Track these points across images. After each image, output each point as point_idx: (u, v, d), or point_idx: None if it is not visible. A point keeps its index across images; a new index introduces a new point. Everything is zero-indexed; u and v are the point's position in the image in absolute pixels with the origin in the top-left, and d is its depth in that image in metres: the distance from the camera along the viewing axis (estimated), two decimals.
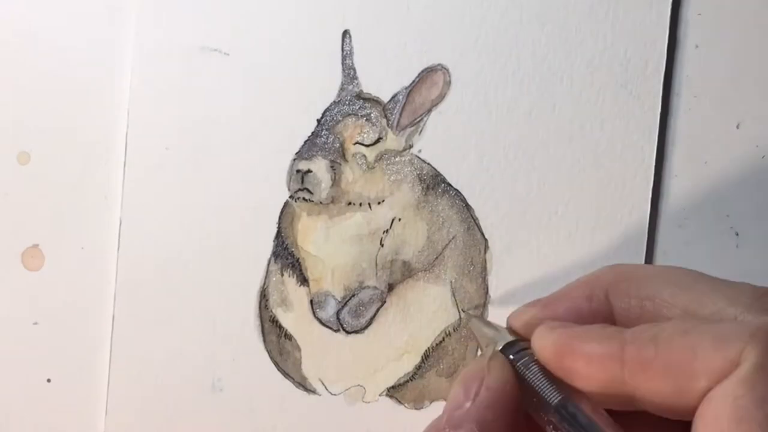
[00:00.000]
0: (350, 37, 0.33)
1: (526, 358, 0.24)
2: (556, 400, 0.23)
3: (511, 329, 0.26)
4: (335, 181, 0.33)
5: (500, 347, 0.25)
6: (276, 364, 0.34)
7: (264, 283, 0.34)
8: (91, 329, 0.34)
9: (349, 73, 0.33)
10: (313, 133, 0.33)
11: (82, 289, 0.34)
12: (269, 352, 0.34)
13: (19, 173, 0.34)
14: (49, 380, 0.34)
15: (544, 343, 0.24)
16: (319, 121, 0.33)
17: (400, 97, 0.33)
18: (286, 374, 0.34)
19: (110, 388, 0.33)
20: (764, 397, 0.19)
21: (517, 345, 0.25)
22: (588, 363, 0.23)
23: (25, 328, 0.34)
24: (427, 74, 0.33)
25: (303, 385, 0.34)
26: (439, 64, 0.33)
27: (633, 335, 0.22)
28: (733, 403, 0.19)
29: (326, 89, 0.33)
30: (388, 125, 0.33)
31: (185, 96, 0.33)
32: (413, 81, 0.33)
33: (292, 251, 0.34)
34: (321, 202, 0.33)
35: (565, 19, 0.33)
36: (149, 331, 0.33)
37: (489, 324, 0.27)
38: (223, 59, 0.33)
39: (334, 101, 0.33)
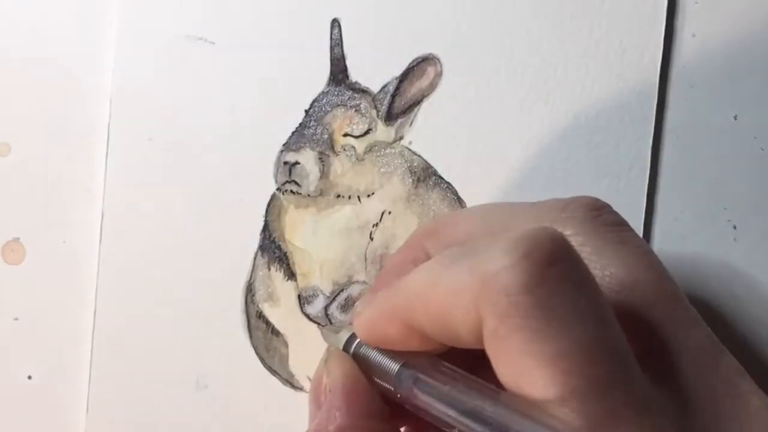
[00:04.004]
0: (339, 25, 0.33)
1: (362, 346, 0.24)
2: (395, 369, 0.22)
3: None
4: (324, 174, 0.33)
5: (342, 345, 0.25)
6: (262, 360, 0.33)
7: (250, 278, 0.33)
8: (72, 325, 0.33)
9: (338, 62, 0.33)
10: (301, 124, 0.33)
11: (63, 283, 0.33)
12: (255, 348, 0.33)
13: None
14: (29, 377, 0.33)
15: (356, 325, 0.24)
16: (307, 111, 0.33)
17: (391, 88, 0.33)
18: (272, 371, 0.33)
19: (91, 385, 0.33)
20: (521, 347, 0.18)
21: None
22: (387, 324, 0.22)
23: (5, 323, 0.33)
24: (418, 64, 0.33)
25: (290, 381, 0.33)
26: (430, 54, 0.33)
27: (399, 283, 0.22)
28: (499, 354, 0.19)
29: (314, 79, 0.33)
30: (378, 116, 0.33)
31: (169, 86, 0.33)
32: (404, 71, 0.33)
33: (280, 245, 0.33)
34: (309, 195, 0.33)
35: (559, 8, 0.32)
36: (132, 326, 0.33)
37: (338, 329, 0.26)
38: (208, 48, 0.33)
39: (323, 91, 0.33)
